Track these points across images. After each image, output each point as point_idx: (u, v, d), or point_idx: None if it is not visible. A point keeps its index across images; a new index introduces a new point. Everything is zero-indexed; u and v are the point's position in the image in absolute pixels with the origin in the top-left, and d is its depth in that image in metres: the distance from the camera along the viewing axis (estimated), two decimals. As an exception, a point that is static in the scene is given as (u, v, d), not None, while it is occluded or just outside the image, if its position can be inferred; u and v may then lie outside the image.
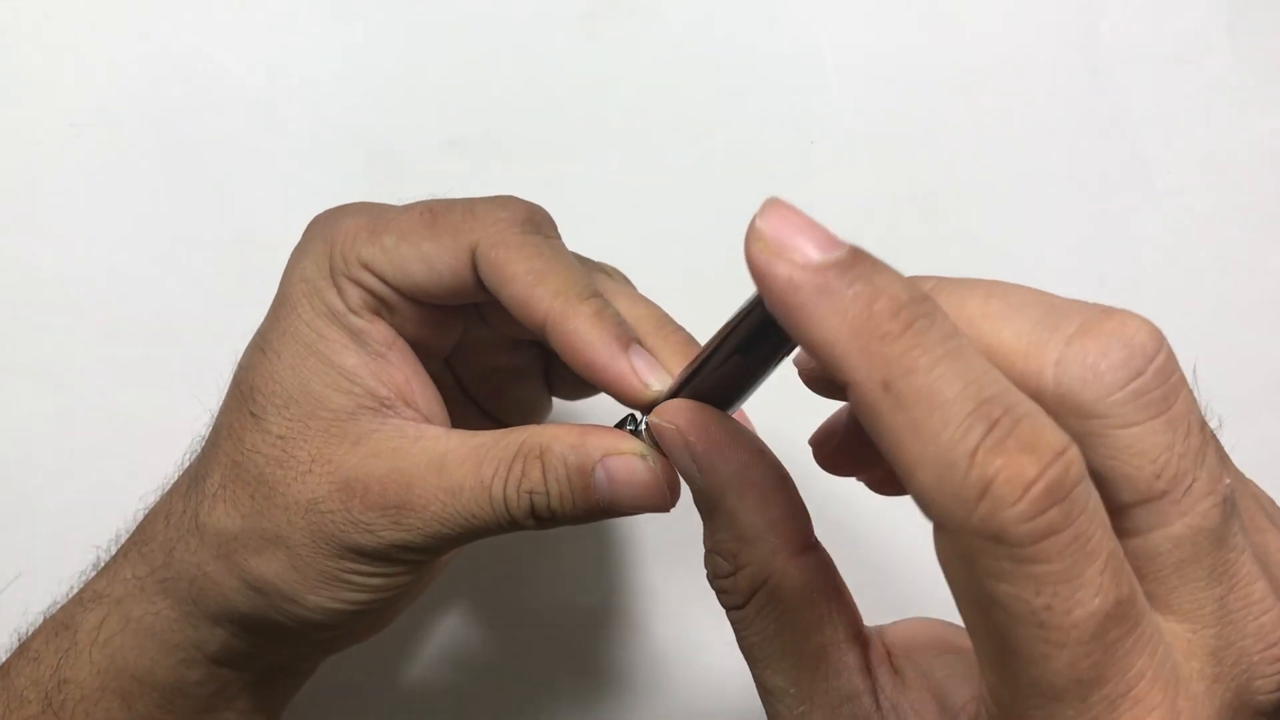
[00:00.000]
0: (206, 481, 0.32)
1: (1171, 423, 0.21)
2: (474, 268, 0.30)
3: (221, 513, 0.32)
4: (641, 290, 0.33)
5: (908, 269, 0.47)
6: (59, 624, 0.34)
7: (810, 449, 0.29)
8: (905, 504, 0.21)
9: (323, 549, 0.31)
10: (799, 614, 0.26)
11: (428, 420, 0.32)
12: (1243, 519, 0.22)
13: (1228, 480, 0.21)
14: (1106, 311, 0.22)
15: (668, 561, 0.44)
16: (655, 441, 0.29)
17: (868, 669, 0.26)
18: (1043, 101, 0.44)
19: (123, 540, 0.35)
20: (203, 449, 0.34)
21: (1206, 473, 0.21)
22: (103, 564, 0.35)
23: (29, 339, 0.43)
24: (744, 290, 0.46)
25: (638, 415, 0.30)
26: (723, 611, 0.27)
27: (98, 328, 0.43)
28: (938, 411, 0.20)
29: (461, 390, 0.36)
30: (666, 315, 0.31)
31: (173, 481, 0.34)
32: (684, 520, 0.29)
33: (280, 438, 0.31)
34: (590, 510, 0.30)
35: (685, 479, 0.27)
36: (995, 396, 0.20)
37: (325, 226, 0.32)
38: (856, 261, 0.21)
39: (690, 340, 0.31)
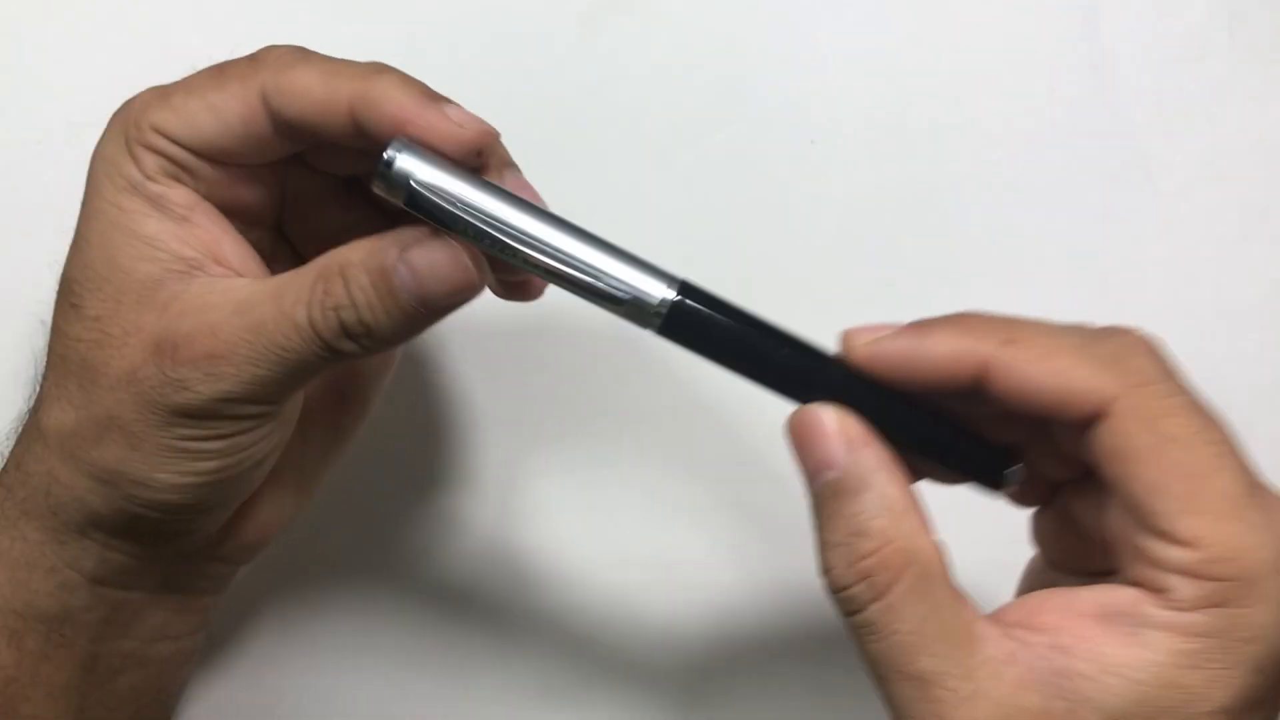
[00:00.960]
0: (43, 385, 0.32)
1: None
2: (267, 113, 0.30)
3: (57, 411, 0.31)
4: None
5: (908, 269, 0.47)
6: None
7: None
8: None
9: (151, 420, 0.30)
10: (947, 591, 0.27)
11: (240, 276, 0.31)
12: None
13: None
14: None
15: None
16: (413, 192, 0.28)
17: (1005, 632, 0.27)
18: (1043, 101, 0.44)
19: None
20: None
21: None
22: None
23: (29, 338, 0.43)
24: (743, 287, 0.46)
25: (388, 152, 0.29)
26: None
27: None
28: (1053, 336, 0.28)
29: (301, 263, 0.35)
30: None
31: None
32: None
33: (96, 319, 0.30)
34: (405, 314, 0.29)
35: (816, 468, 0.28)
36: (1074, 325, 0.28)
37: (121, 109, 0.32)
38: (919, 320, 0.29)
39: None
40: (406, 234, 0.29)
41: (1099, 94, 0.44)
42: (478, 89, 0.44)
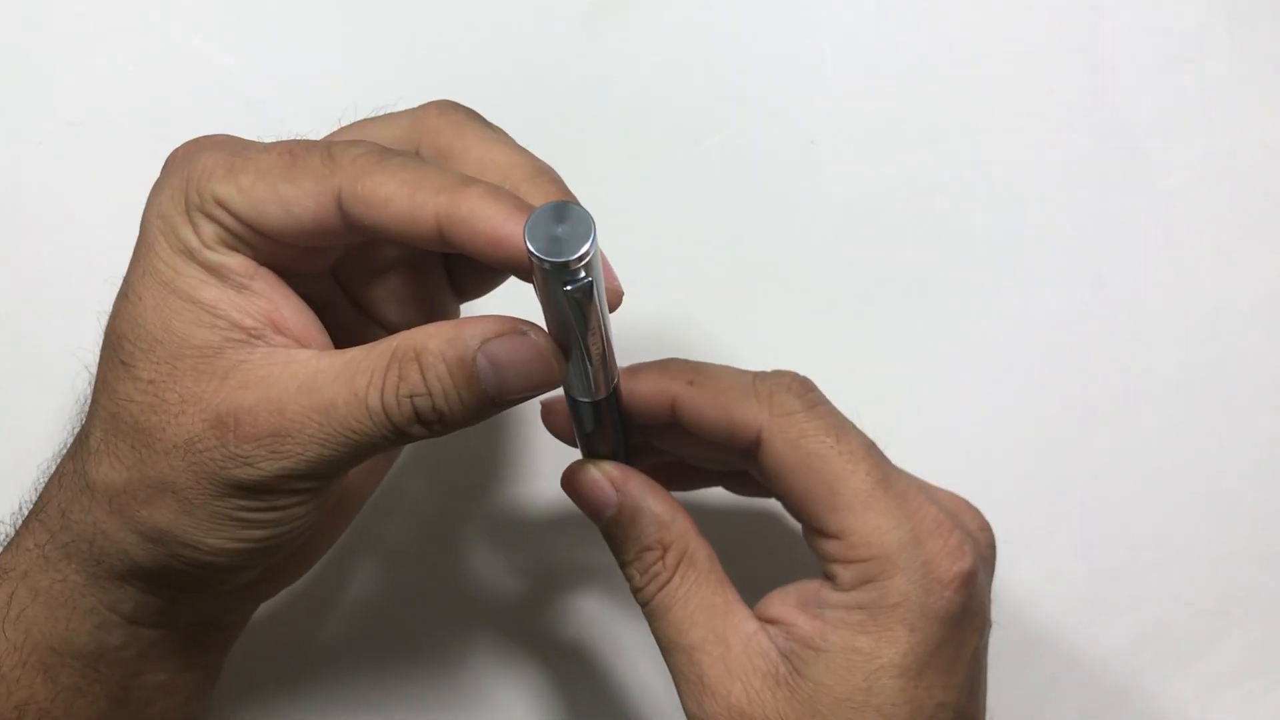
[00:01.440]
0: (90, 439, 0.31)
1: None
2: (340, 212, 0.29)
3: (107, 468, 0.31)
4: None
5: (907, 269, 0.47)
6: None
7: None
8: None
9: (208, 489, 0.29)
10: (711, 575, 0.33)
11: (302, 345, 0.31)
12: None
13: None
14: None
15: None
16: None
17: (750, 615, 0.33)
18: (1043, 101, 0.44)
19: (25, 511, 0.34)
20: (87, 407, 0.33)
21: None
22: (7, 539, 0.34)
23: (29, 339, 0.43)
24: (743, 287, 0.46)
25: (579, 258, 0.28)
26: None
27: (98, 328, 0.43)
28: (724, 379, 0.33)
29: (356, 307, 0.35)
30: (539, 163, 0.32)
31: (67, 444, 0.34)
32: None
33: (150, 382, 0.30)
34: (480, 403, 0.29)
35: (597, 511, 0.34)
36: (749, 373, 0.34)
37: (183, 161, 0.31)
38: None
39: (562, 188, 0.31)
40: (486, 324, 0.29)
41: (1099, 94, 0.44)
42: (479, 89, 0.44)
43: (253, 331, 0.30)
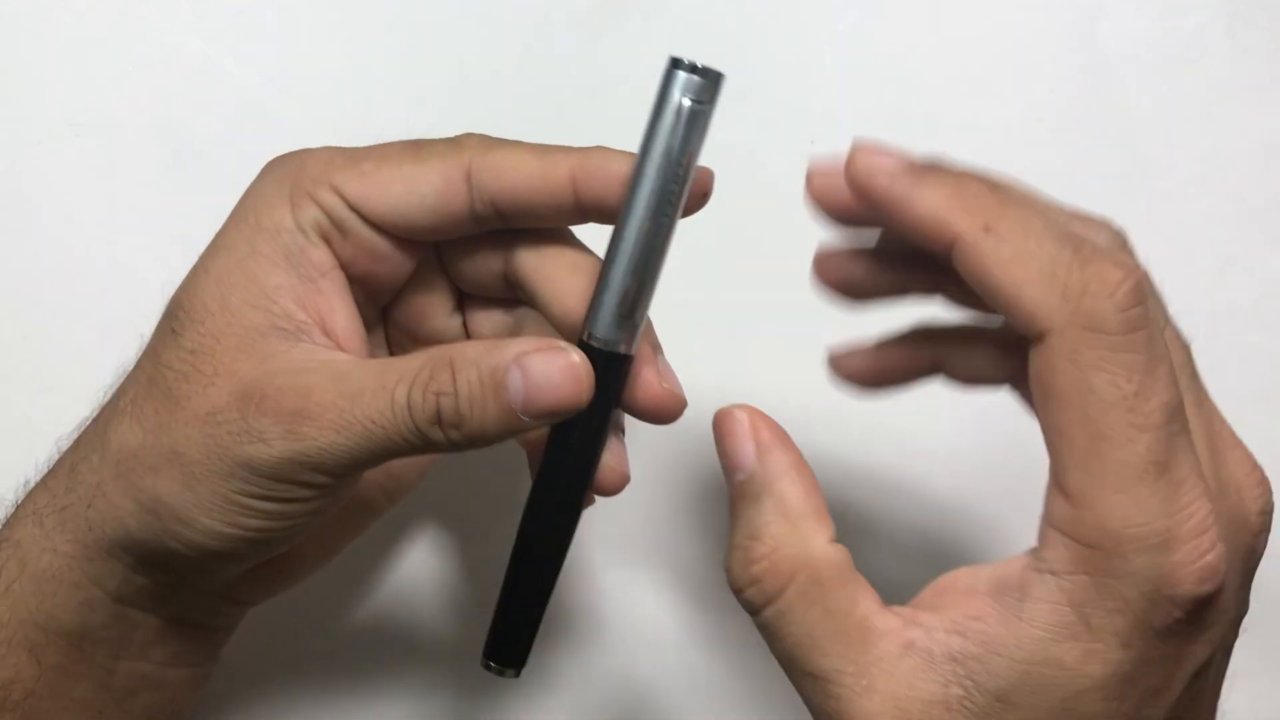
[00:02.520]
0: (121, 399, 0.32)
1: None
2: (468, 191, 0.30)
3: (126, 428, 0.31)
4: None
5: (908, 269, 0.46)
6: None
7: (832, 368, 0.33)
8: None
9: (216, 466, 0.29)
10: (839, 592, 0.27)
11: (344, 351, 0.31)
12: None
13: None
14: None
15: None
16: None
17: (907, 621, 0.27)
18: (1043, 101, 0.44)
19: (30, 485, 0.34)
20: (128, 371, 0.33)
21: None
22: (10, 508, 0.34)
23: (29, 339, 0.43)
24: (743, 287, 0.46)
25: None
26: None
27: (98, 328, 0.43)
28: (1034, 238, 0.26)
29: (389, 352, 0.35)
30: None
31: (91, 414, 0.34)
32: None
33: (191, 352, 0.30)
34: (503, 415, 0.29)
35: (730, 468, 0.29)
36: (1074, 232, 0.26)
37: (292, 157, 0.32)
38: (935, 161, 0.28)
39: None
40: (526, 340, 0.30)
41: (1099, 94, 0.44)
42: (479, 89, 0.44)
43: (302, 325, 0.31)
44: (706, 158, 0.31)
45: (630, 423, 0.33)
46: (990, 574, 0.27)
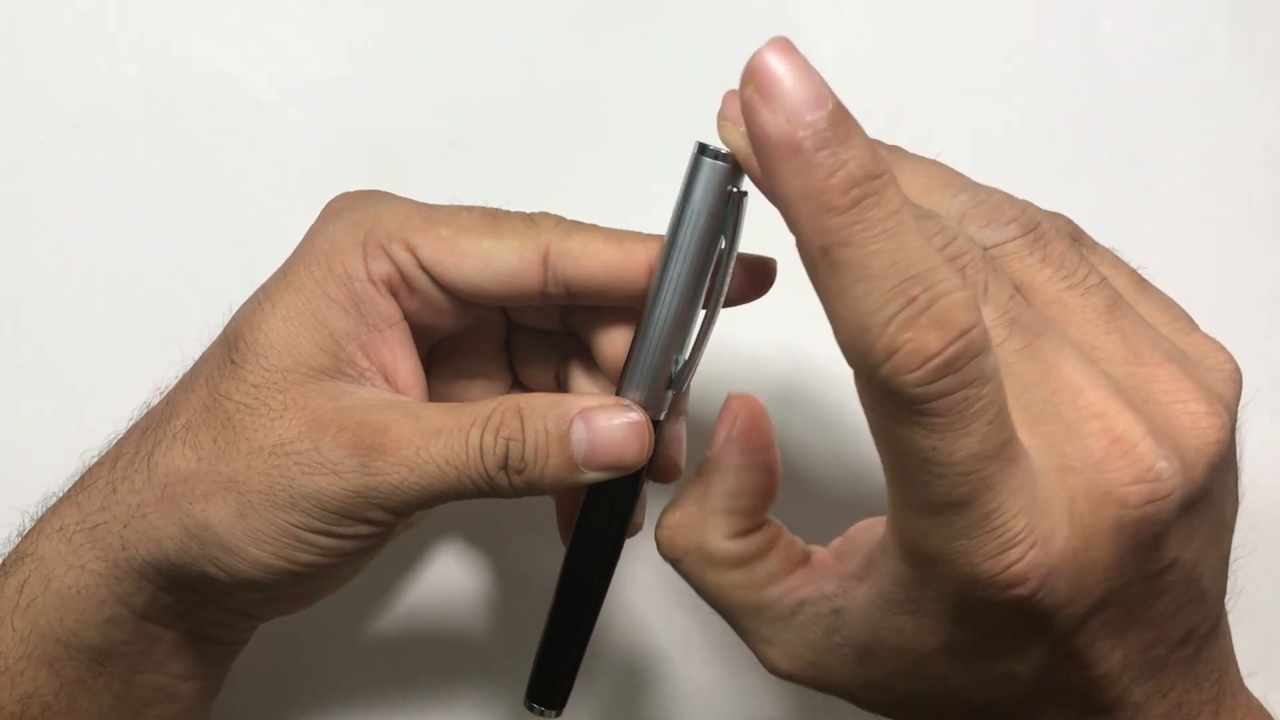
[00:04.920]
0: (171, 423, 0.32)
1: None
2: (541, 269, 0.31)
3: (178, 453, 0.31)
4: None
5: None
6: None
7: None
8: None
9: (279, 497, 0.30)
10: (728, 574, 0.30)
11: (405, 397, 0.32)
12: (1061, 337, 0.25)
13: (1015, 308, 0.25)
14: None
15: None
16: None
17: (805, 579, 0.29)
18: (1043, 101, 0.44)
19: (53, 499, 0.34)
20: (172, 392, 0.33)
21: (989, 306, 0.25)
22: (33, 522, 0.34)
23: (29, 339, 0.43)
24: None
25: None
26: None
27: (98, 328, 0.43)
28: (863, 283, 0.23)
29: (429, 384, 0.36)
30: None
31: (125, 431, 0.34)
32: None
33: (255, 386, 0.31)
34: (564, 465, 0.30)
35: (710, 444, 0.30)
36: (919, 275, 0.22)
37: (363, 203, 0.32)
38: (832, 128, 0.23)
39: None
40: (592, 398, 0.31)
41: (1099, 94, 0.44)
42: (479, 89, 0.44)
43: (365, 372, 0.31)
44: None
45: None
46: (876, 534, 0.28)
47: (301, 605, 0.36)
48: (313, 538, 0.30)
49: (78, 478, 0.34)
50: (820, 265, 0.23)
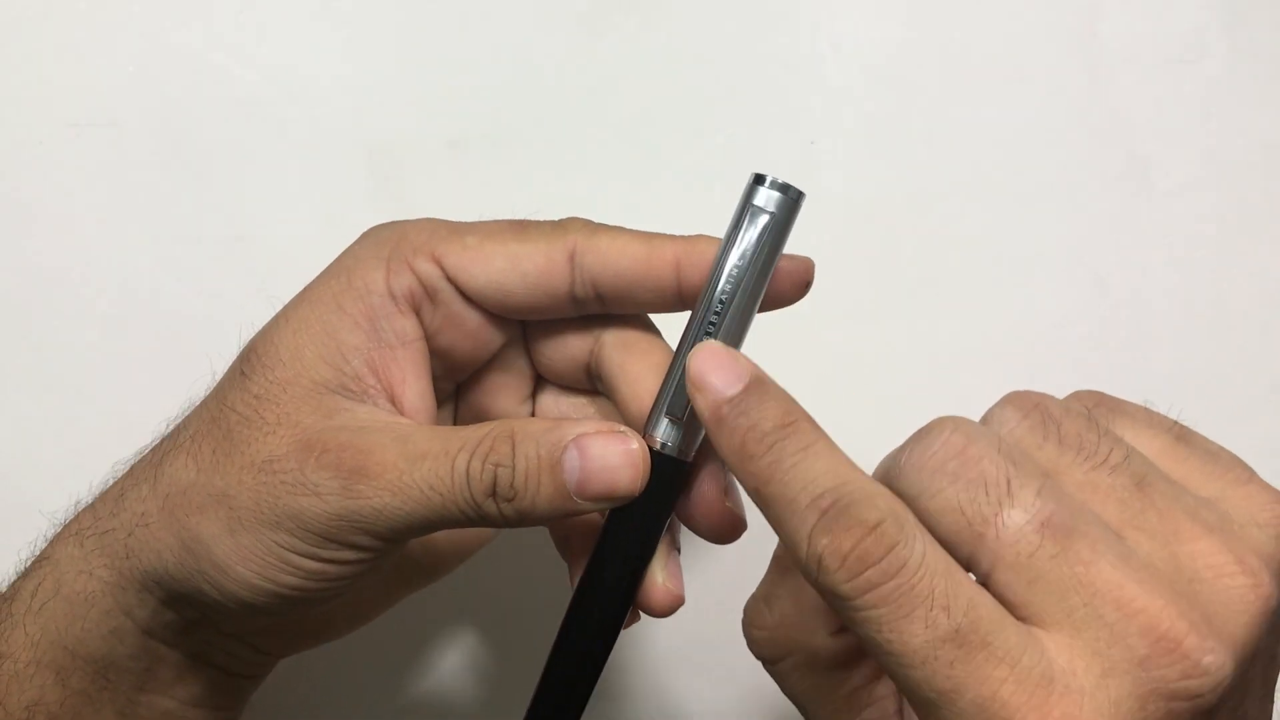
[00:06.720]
0: (182, 433, 0.32)
1: (968, 483, 0.25)
2: (570, 272, 0.30)
3: (181, 463, 0.31)
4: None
5: (907, 269, 0.47)
6: (3, 596, 0.33)
7: None
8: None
9: (265, 515, 0.29)
10: (832, 675, 0.30)
11: (407, 419, 0.31)
12: (1097, 530, 0.25)
13: (1046, 507, 0.25)
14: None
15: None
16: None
17: (897, 696, 0.30)
18: (1042, 101, 0.44)
19: (82, 505, 0.34)
20: (196, 405, 0.33)
21: (1017, 509, 0.25)
22: (60, 526, 0.34)
23: (29, 339, 0.43)
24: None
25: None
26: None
27: (98, 328, 0.43)
28: (788, 508, 0.26)
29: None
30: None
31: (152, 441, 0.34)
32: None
33: (256, 397, 0.30)
34: (556, 493, 0.29)
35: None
36: (829, 489, 0.25)
37: (393, 226, 0.32)
38: (746, 396, 0.27)
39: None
40: (587, 423, 0.30)
41: (1099, 94, 0.44)
42: (479, 89, 0.44)
43: (370, 389, 0.31)
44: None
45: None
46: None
47: (306, 643, 0.36)
48: (297, 559, 0.30)
49: (107, 485, 0.34)
50: (760, 506, 0.26)
